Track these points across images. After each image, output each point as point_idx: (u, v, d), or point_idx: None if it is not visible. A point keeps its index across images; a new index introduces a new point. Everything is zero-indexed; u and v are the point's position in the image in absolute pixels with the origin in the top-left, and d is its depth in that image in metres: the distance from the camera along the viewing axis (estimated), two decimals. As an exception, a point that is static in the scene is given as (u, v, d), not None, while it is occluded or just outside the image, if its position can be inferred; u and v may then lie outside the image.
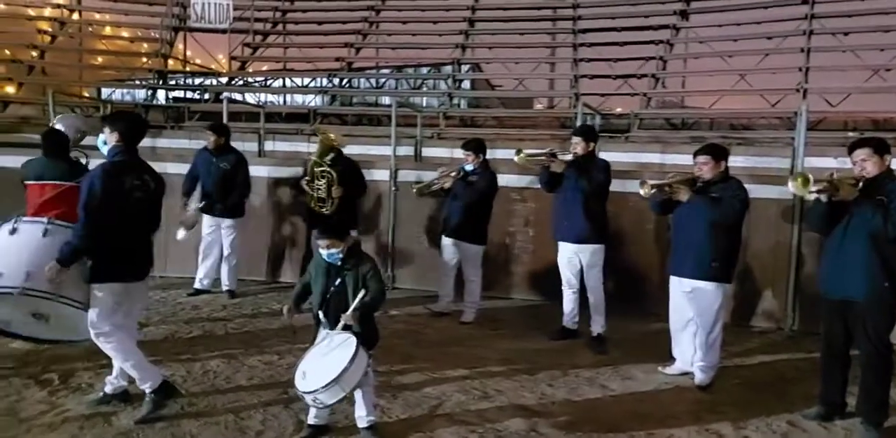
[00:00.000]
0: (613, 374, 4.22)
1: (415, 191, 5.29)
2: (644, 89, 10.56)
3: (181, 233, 5.44)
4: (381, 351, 4.19)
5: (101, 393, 3.48)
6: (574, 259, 4.76)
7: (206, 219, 5.77)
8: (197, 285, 5.87)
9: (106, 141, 3.40)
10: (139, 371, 3.28)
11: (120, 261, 3.23)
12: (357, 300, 3.04)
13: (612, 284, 5.43)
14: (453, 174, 5.27)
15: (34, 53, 12.32)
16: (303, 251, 6.30)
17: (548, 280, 5.86)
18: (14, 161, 6.53)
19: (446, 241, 5.34)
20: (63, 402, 3.48)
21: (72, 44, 13.52)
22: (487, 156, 5.32)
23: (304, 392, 2.87)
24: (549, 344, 4.78)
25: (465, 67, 12.73)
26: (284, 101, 13.01)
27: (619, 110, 10.96)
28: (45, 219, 3.43)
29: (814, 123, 9.12)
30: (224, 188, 5.66)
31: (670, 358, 4.28)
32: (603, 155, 6.20)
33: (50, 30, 13.12)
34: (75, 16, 13.83)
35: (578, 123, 6.50)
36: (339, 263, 3.15)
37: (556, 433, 3.34)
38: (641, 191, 4.06)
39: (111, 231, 3.18)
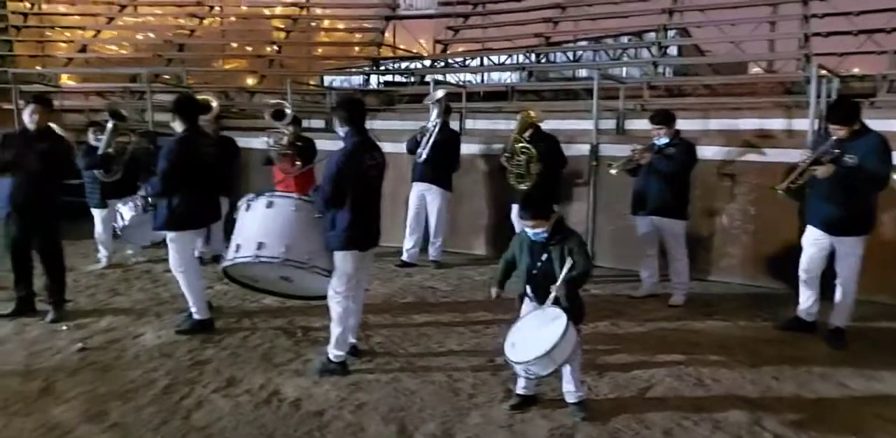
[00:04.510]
0: (854, 372, 3.71)
1: (613, 171, 5.05)
2: (894, 46, 8.97)
3: None
4: (585, 329, 4.17)
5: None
6: (824, 242, 4.16)
7: (415, 187, 6.11)
8: (404, 257, 6.23)
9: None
10: (338, 340, 3.64)
11: (361, 232, 3.61)
12: (565, 270, 3.03)
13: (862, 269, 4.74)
14: (646, 151, 4.94)
15: (272, 48, 14.01)
16: (502, 225, 6.44)
17: (771, 264, 5.33)
18: (261, 143, 7.65)
19: (643, 220, 5.08)
20: (306, 352, 3.99)
21: (300, 38, 15.14)
22: (700, 127, 4.92)
23: (517, 362, 2.93)
24: (772, 334, 4.35)
25: (670, 33, 11.87)
26: (482, 80, 13.30)
27: (856, 70, 9.48)
28: (294, 195, 3.81)
29: None
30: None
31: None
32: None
33: (283, 26, 14.82)
34: (303, 12, 15.46)
35: (813, 88, 5.71)
36: (545, 240, 3.16)
37: (785, 430, 3.05)
38: None
39: (357, 205, 3.54)
